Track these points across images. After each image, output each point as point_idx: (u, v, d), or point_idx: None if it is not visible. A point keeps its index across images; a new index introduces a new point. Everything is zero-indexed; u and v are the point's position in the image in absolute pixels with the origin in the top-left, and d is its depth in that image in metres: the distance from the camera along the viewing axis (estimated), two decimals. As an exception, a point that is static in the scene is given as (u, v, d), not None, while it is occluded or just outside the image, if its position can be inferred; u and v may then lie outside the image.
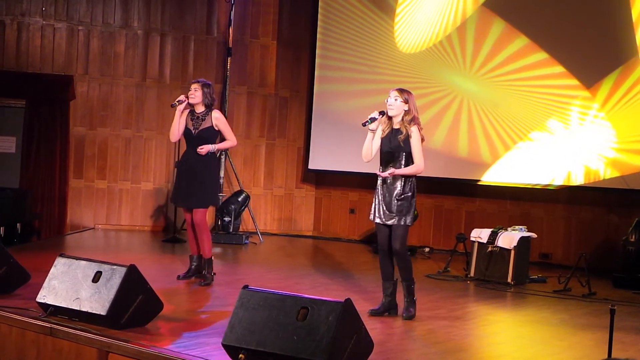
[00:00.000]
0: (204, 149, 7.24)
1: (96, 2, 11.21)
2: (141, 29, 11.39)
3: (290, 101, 11.94)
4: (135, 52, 11.37)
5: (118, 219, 11.34)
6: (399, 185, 6.17)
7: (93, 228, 11.21)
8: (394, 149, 6.17)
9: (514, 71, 9.93)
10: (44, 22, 11.04)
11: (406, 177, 6.17)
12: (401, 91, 6.22)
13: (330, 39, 11.46)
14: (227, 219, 10.53)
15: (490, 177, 10.11)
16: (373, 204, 6.30)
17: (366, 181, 11.24)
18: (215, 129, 7.35)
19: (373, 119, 6.18)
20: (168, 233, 10.92)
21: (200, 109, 7.36)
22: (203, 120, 7.33)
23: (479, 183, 10.26)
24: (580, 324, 6.43)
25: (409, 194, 6.17)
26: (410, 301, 6.27)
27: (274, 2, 11.80)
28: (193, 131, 7.33)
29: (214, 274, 7.39)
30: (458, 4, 10.36)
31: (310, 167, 11.68)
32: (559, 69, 9.59)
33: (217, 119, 7.36)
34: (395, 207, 6.14)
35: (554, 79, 9.63)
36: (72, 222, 11.12)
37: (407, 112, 6.18)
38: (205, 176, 7.32)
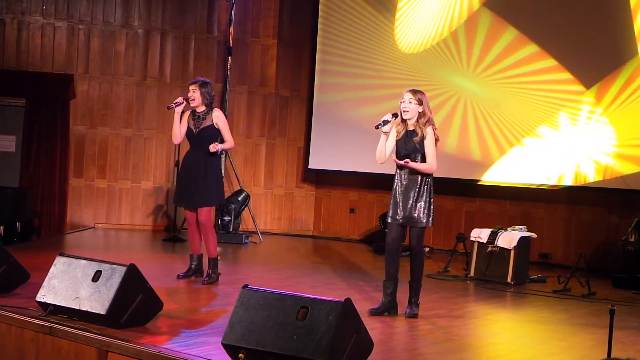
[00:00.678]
0: (217, 147, 7.19)
1: (96, 1, 11.20)
2: (142, 27, 11.39)
3: (291, 100, 11.94)
4: (135, 51, 11.37)
5: (118, 218, 11.34)
6: (415, 186, 6.18)
7: (93, 227, 11.21)
8: (410, 151, 6.20)
9: (514, 70, 9.92)
10: (44, 21, 11.03)
11: (422, 179, 6.21)
12: (414, 92, 6.24)
13: (331, 38, 11.46)
14: (227, 218, 10.53)
15: (490, 177, 10.11)
16: (390, 205, 6.30)
17: (366, 181, 11.26)
18: (216, 127, 7.33)
19: (386, 122, 6.19)
20: (168, 232, 10.92)
21: (201, 108, 7.36)
22: (204, 119, 7.32)
23: (479, 183, 10.25)
24: (580, 324, 6.43)
25: (426, 195, 6.19)
26: (415, 301, 6.30)
27: (274, 1, 11.79)
28: (194, 130, 7.32)
29: (219, 273, 7.39)
30: (458, 4, 10.35)
31: (310, 166, 11.67)
32: (559, 68, 9.58)
33: (218, 117, 7.35)
34: (414, 209, 6.17)
35: (554, 78, 9.62)
36: (72, 221, 11.12)
37: (421, 114, 6.21)
38: (208, 175, 7.30)
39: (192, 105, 7.32)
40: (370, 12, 11.15)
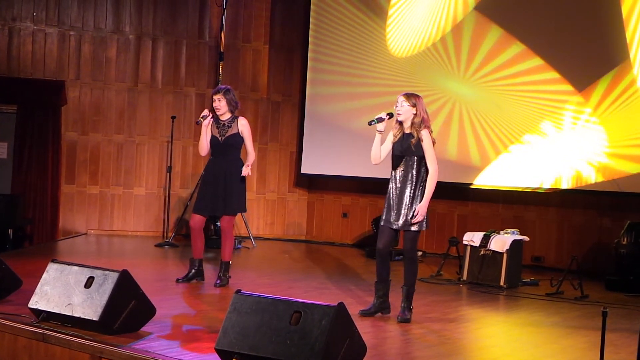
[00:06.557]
0: (248, 171, 7.32)
1: (87, 7, 11.20)
2: (133, 33, 11.38)
3: (283, 105, 11.94)
4: (126, 56, 11.36)
5: (110, 224, 11.32)
6: (409, 190, 6.18)
7: (85, 233, 11.18)
8: (405, 153, 6.21)
9: (505, 74, 9.93)
10: (35, 27, 11.02)
11: (417, 182, 6.20)
12: (408, 96, 6.26)
13: (322, 42, 11.47)
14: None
15: (483, 181, 10.13)
16: (384, 208, 6.30)
17: (359, 185, 11.26)
18: (240, 136, 7.40)
19: (380, 119, 6.24)
20: (160, 238, 10.89)
21: (226, 116, 7.43)
22: (229, 127, 7.39)
23: (472, 186, 10.27)
24: (573, 327, 6.43)
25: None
26: (408, 306, 6.29)
27: (265, 6, 11.80)
28: (220, 139, 7.38)
29: (230, 276, 7.55)
30: (450, 8, 10.38)
31: (302, 171, 11.67)
32: (551, 72, 9.60)
33: (244, 125, 7.43)
34: (409, 213, 6.16)
35: (546, 82, 9.64)
36: (65, 228, 11.10)
37: (415, 116, 6.21)
38: (234, 183, 7.36)
39: (218, 114, 7.38)
40: (362, 16, 11.16)
